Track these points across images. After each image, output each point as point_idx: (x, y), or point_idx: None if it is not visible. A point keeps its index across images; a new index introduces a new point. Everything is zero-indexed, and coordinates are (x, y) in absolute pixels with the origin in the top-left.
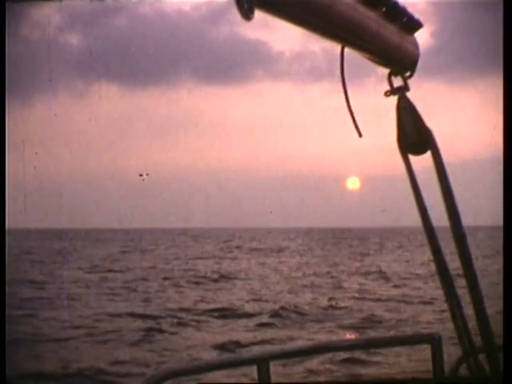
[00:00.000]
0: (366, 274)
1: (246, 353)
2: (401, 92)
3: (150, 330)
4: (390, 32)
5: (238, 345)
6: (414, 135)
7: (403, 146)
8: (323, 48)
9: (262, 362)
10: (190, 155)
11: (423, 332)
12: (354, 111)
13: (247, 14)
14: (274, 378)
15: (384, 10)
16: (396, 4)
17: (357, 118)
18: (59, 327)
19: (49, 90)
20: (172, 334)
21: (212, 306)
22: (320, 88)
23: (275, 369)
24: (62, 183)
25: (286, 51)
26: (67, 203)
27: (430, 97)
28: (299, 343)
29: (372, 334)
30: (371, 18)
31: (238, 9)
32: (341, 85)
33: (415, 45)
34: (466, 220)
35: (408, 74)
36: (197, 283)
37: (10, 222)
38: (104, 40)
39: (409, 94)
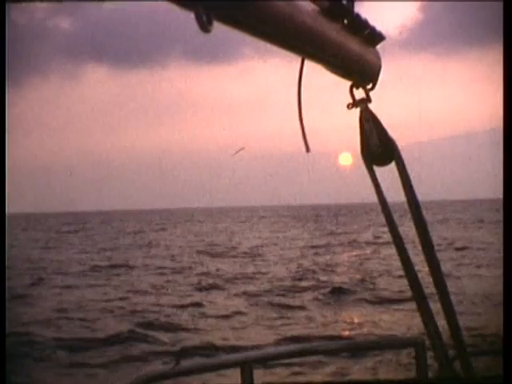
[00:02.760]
0: None
1: (229, 356)
2: (363, 104)
3: None
4: (352, 44)
5: None
6: (377, 146)
7: (367, 158)
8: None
9: (245, 365)
10: (180, 134)
11: (407, 336)
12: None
13: (206, 27)
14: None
15: (346, 22)
16: (358, 16)
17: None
18: None
19: (39, 72)
20: None
21: None
22: (310, 63)
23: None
24: (51, 165)
25: None
26: (57, 186)
27: (425, 71)
28: (283, 346)
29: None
30: (333, 30)
31: (197, 22)
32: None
33: (377, 57)
34: (465, 194)
35: (370, 86)
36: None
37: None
38: (93, 22)
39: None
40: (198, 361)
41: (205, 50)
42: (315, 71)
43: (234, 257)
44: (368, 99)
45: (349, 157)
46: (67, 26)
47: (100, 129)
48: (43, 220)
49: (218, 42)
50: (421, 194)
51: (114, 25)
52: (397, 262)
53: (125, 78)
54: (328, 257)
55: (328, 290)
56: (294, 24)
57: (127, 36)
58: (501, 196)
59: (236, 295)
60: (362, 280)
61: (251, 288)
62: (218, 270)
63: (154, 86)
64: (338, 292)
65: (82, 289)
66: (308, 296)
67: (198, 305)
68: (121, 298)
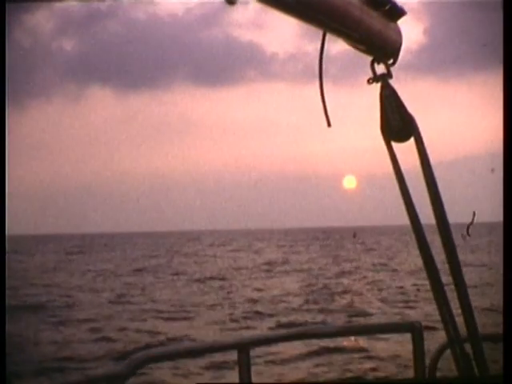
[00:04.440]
0: None
1: (227, 339)
2: (384, 79)
3: None
4: (373, 19)
5: None
6: (396, 122)
7: (386, 134)
8: (317, 49)
9: (242, 348)
10: (184, 157)
11: (405, 320)
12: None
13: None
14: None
15: None
16: None
17: (355, 118)
18: None
19: (43, 94)
20: None
21: None
22: (314, 88)
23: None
24: (55, 187)
25: (279, 52)
26: (61, 208)
27: (428, 94)
28: (280, 330)
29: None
30: (354, 5)
31: None
32: (332, 86)
33: (398, 32)
34: (464, 217)
35: (391, 61)
36: None
37: (9, 229)
38: (98, 44)
39: (406, 92)
40: (195, 343)
41: (209, 73)
42: (319, 96)
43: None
44: (389, 74)
45: (353, 180)
46: (71, 49)
47: (103, 151)
48: (55, 242)
49: (222, 64)
50: (421, 217)
51: (118, 47)
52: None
53: (129, 100)
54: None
55: None
56: None
57: (131, 59)
58: (500, 219)
59: None
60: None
61: None
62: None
63: (158, 108)
64: None
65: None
66: None
67: None
68: None
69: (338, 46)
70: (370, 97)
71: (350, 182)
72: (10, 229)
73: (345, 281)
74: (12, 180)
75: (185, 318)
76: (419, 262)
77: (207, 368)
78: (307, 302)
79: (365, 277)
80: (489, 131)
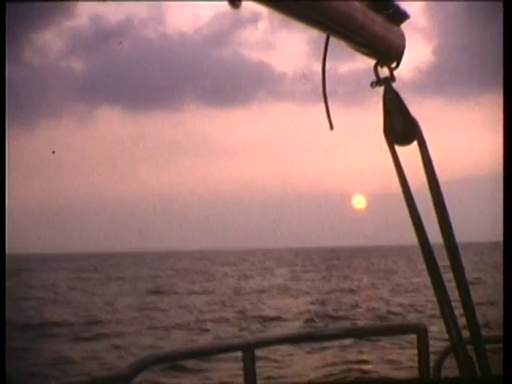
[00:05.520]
0: None
1: (232, 340)
2: (387, 82)
3: None
4: (376, 23)
5: None
6: (400, 125)
7: (389, 137)
8: (326, 68)
9: (247, 349)
10: (194, 177)
11: (410, 322)
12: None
13: (235, 2)
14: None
15: (370, 0)
16: None
17: (368, 138)
18: None
19: (52, 115)
20: None
21: None
22: (323, 107)
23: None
24: (62, 206)
25: (288, 72)
26: (70, 227)
27: (431, 114)
28: (284, 332)
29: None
30: (357, 9)
31: None
32: (341, 105)
33: (401, 36)
34: (466, 236)
35: (394, 64)
36: None
37: (14, 248)
38: (106, 64)
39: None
40: (201, 345)
41: (219, 93)
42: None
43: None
44: (392, 78)
45: (362, 199)
46: (80, 68)
47: (112, 170)
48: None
49: (231, 84)
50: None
51: (127, 67)
52: None
53: (138, 119)
54: None
55: None
56: (319, 1)
57: (141, 78)
58: (500, 239)
59: None
60: None
61: None
62: None
63: (167, 128)
64: None
65: None
66: None
67: None
68: None
69: (347, 67)
70: (379, 115)
71: (359, 202)
72: (17, 247)
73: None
74: (20, 198)
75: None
76: None
77: None
78: None
79: None
80: (490, 153)
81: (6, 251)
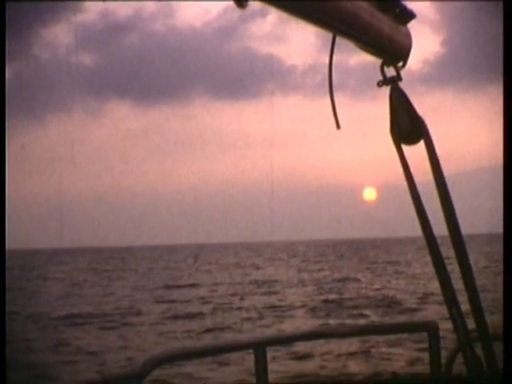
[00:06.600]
0: None
1: (243, 338)
2: (393, 82)
3: None
4: (383, 22)
5: None
6: (406, 124)
7: (396, 136)
8: (335, 61)
9: (258, 347)
10: (204, 169)
11: (421, 320)
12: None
13: (241, 2)
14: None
15: (377, 0)
16: None
17: (378, 130)
18: None
19: (62, 109)
20: None
21: None
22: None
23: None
24: (72, 200)
25: (298, 65)
26: (82, 221)
27: (434, 107)
28: (295, 330)
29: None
30: (364, 9)
31: None
32: (351, 98)
33: (408, 35)
34: (468, 228)
35: (401, 64)
36: None
37: (21, 243)
38: (116, 58)
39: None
40: (212, 342)
41: (228, 86)
42: (338, 107)
43: None
44: (398, 77)
45: (373, 192)
46: (90, 63)
47: (122, 165)
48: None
49: (241, 77)
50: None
51: (137, 61)
52: None
53: (148, 114)
54: None
55: None
56: (325, 0)
57: (150, 73)
58: (500, 230)
59: None
60: None
61: None
62: None
63: (176, 122)
64: None
65: None
66: None
67: None
68: None
69: (357, 59)
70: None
71: (369, 194)
72: (25, 242)
73: None
74: (28, 191)
75: None
76: None
77: None
78: None
79: None
80: (491, 145)
81: (7, 248)
